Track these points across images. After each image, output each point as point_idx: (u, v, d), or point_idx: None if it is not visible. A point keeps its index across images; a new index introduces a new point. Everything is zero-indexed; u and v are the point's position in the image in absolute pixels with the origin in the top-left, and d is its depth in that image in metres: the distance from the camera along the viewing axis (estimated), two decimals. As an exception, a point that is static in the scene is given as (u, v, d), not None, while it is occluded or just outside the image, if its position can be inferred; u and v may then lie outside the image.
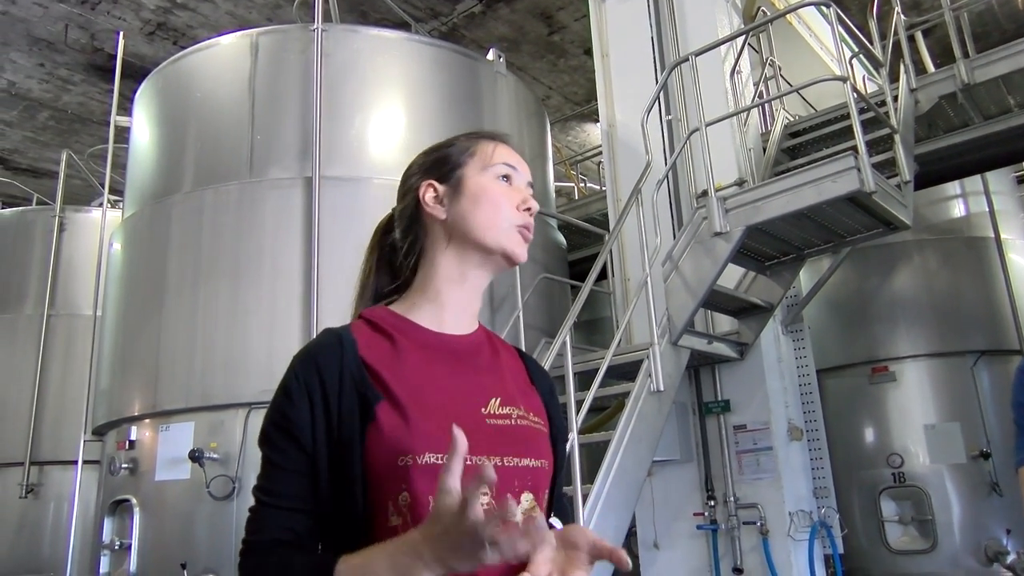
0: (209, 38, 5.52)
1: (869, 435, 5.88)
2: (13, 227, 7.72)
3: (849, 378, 6.03)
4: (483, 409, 1.20)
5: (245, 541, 1.14)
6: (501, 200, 1.27)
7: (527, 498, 1.18)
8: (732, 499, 5.05)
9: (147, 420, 4.62)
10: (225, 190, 4.79)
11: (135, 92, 5.73)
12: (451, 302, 1.28)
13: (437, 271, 1.29)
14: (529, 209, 1.28)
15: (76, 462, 5.67)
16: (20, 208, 8.34)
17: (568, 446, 3.51)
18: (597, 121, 9.07)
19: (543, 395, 1.35)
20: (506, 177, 1.30)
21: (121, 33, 6.81)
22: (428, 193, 1.31)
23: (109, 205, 6.62)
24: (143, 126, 5.50)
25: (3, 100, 10.13)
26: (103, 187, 6.56)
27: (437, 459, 1.09)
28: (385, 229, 1.40)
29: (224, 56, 5.25)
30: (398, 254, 1.34)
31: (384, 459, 1.10)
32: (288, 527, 1.12)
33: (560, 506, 1.34)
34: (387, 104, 5.15)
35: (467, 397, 1.21)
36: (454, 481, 0.91)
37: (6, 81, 9.72)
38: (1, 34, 8.83)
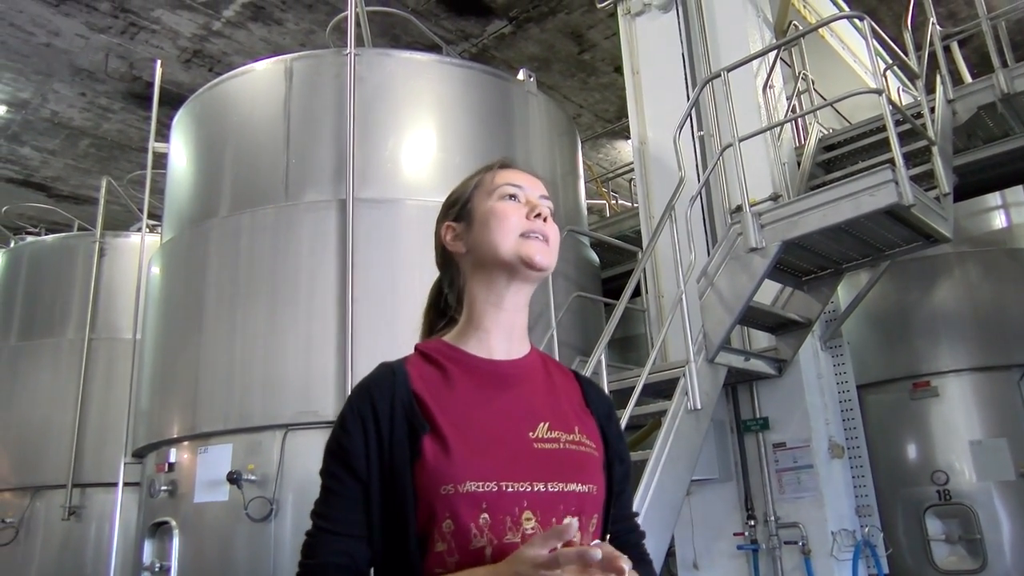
0: (244, 64, 5.61)
1: (912, 452, 5.74)
2: (56, 253, 7.89)
3: (890, 393, 5.90)
4: (531, 433, 1.23)
5: (302, 564, 1.20)
6: (507, 214, 1.31)
7: None
8: (773, 518, 4.96)
9: (186, 442, 4.67)
10: (262, 213, 4.85)
11: (173, 119, 5.84)
12: (494, 326, 1.32)
13: (476, 300, 1.33)
14: (540, 215, 1.31)
15: (117, 484, 5.74)
16: (62, 234, 8.52)
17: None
18: (628, 138, 9.05)
19: (599, 418, 1.37)
20: (512, 196, 1.33)
21: (159, 61, 6.95)
22: (448, 234, 1.39)
23: (148, 230, 6.74)
24: (181, 152, 5.60)
25: (46, 129, 10.40)
26: (142, 212, 6.67)
27: (478, 487, 1.14)
28: (439, 287, 1.46)
29: (259, 82, 5.34)
30: (444, 296, 1.42)
31: (429, 488, 1.15)
32: (344, 551, 1.17)
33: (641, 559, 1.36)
34: (420, 126, 5.19)
35: (515, 422, 1.24)
36: (543, 549, 1.01)
37: (49, 111, 9.98)
38: (45, 65, 9.07)
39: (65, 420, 6.96)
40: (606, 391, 3.92)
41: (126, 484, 5.71)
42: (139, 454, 5.19)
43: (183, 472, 4.62)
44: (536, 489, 1.16)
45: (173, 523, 4.53)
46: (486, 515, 1.13)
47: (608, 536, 1.30)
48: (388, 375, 1.26)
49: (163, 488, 4.62)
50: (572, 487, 1.21)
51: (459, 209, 1.38)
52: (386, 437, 1.19)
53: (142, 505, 5.02)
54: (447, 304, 1.40)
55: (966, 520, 5.42)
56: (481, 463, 1.16)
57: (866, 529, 5.08)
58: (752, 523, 5.04)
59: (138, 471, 5.31)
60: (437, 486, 1.14)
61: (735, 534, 5.11)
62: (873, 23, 4.58)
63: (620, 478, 1.36)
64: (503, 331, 1.32)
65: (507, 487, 1.15)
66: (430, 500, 1.14)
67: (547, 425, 1.25)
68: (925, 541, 5.49)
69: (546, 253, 1.30)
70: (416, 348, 1.35)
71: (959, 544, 5.43)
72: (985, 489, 5.42)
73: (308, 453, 4.27)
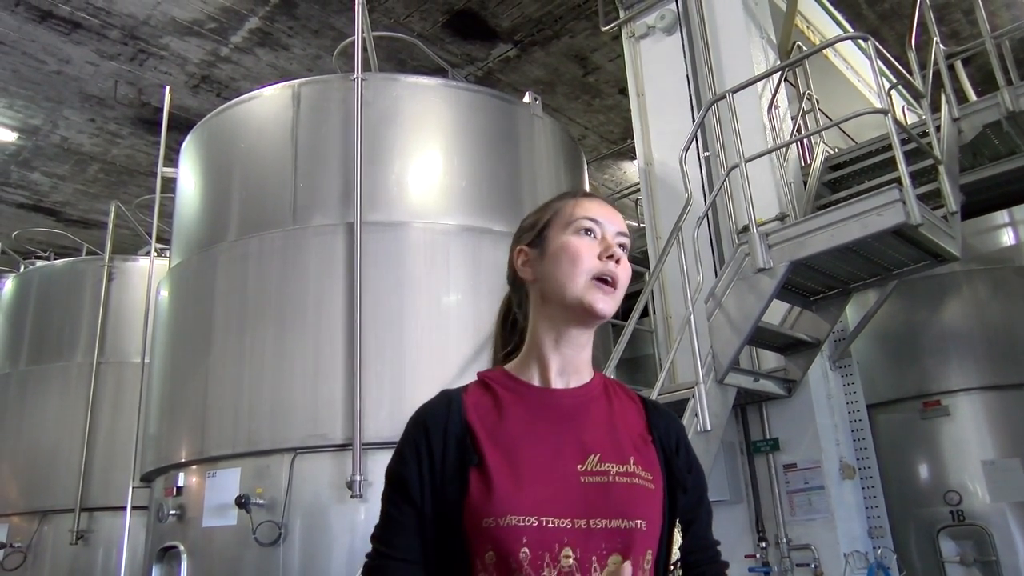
0: (252, 90, 5.65)
1: (924, 472, 5.69)
2: (64, 277, 7.92)
3: (900, 413, 5.86)
4: (580, 466, 1.23)
5: None
6: (579, 253, 1.30)
7: (614, 560, 1.18)
8: (784, 540, 4.92)
9: (194, 466, 4.66)
10: (270, 237, 4.87)
11: (181, 144, 5.88)
12: (553, 360, 1.33)
13: (538, 331, 1.34)
14: (612, 256, 1.29)
15: (125, 508, 5.72)
16: (71, 259, 8.56)
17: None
18: (633, 159, 9.08)
19: (664, 446, 1.35)
20: (589, 231, 1.32)
21: (167, 87, 7.01)
22: (520, 258, 1.39)
23: (156, 254, 6.77)
24: (189, 176, 5.63)
25: (56, 155, 10.48)
26: (150, 236, 6.70)
27: (519, 521, 1.15)
28: (509, 303, 1.48)
29: (267, 107, 5.37)
30: (513, 313, 1.44)
31: (472, 519, 1.17)
32: None
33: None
34: (426, 149, 5.21)
35: (564, 455, 1.24)
36: None
37: (59, 137, 10.07)
38: (56, 93, 9.16)
39: (73, 444, 6.96)
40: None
41: (134, 508, 5.70)
42: (147, 478, 5.18)
43: (191, 496, 4.61)
44: (577, 526, 1.16)
45: (181, 547, 4.51)
46: (526, 549, 1.14)
47: (676, 568, 1.31)
48: (444, 405, 1.29)
49: (171, 512, 4.60)
50: (616, 523, 1.19)
51: (535, 235, 1.37)
52: (438, 467, 1.23)
53: (150, 529, 5.00)
54: (516, 320, 1.42)
55: (981, 541, 5.36)
56: (522, 497, 1.17)
57: (879, 551, 5.03)
58: (764, 545, 5.00)
59: (146, 495, 5.30)
60: (479, 518, 1.17)
61: (746, 556, 5.06)
62: (877, 43, 4.61)
63: (687, 508, 1.34)
64: (561, 365, 1.33)
65: (547, 523, 1.16)
66: (473, 531, 1.17)
67: (597, 457, 1.24)
68: (939, 563, 5.42)
69: (609, 302, 1.29)
70: (478, 376, 1.37)
71: (974, 566, 5.36)
72: (999, 510, 5.37)
73: (316, 477, 4.26)
